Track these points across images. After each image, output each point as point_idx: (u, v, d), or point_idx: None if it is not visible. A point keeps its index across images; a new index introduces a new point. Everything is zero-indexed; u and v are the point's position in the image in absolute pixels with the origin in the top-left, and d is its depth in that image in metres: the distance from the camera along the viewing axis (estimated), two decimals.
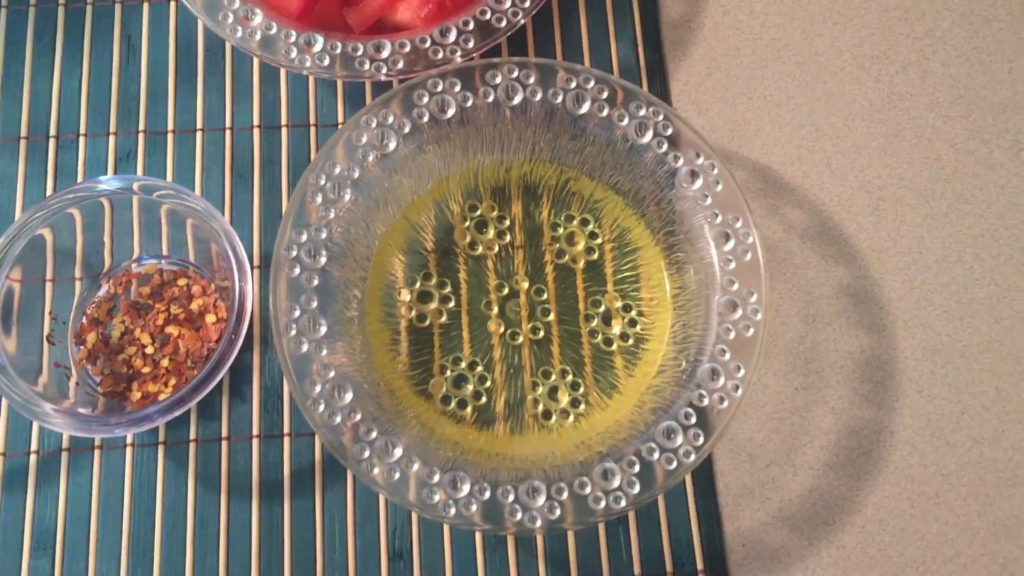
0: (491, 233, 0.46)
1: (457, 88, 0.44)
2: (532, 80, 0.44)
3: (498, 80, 0.44)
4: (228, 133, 0.48)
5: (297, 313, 0.40)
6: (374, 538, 0.42)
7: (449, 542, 0.42)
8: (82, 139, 0.48)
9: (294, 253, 0.41)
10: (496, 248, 0.46)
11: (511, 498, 0.38)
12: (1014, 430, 0.45)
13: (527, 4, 0.45)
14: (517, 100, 0.44)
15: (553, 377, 0.44)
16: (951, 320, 0.47)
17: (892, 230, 0.48)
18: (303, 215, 0.41)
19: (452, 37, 0.45)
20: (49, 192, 0.47)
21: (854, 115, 0.50)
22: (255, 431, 0.43)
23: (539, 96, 0.44)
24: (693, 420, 0.39)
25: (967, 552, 0.43)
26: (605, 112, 0.44)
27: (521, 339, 0.45)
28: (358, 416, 0.38)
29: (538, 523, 0.37)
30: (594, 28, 0.51)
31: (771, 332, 0.46)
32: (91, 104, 0.48)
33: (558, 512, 0.37)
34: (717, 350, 0.40)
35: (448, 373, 0.44)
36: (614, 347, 0.45)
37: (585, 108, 0.44)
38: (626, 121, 0.44)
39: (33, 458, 0.43)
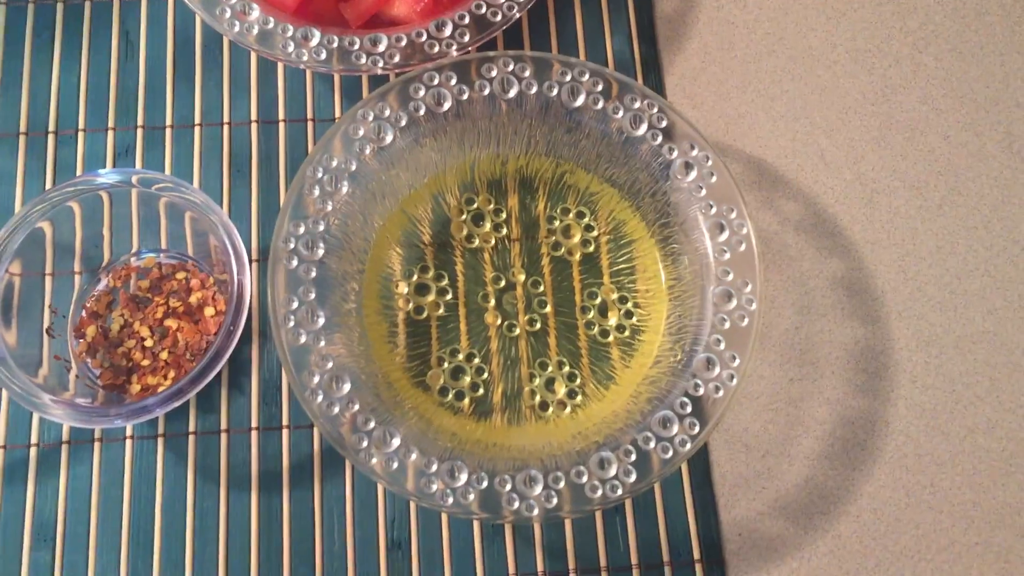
0: (488, 226, 0.47)
1: (453, 81, 0.44)
2: (527, 73, 0.44)
3: (494, 73, 0.44)
4: (226, 128, 0.49)
5: (295, 305, 0.40)
6: (373, 529, 0.42)
7: (447, 532, 0.43)
8: (81, 134, 0.48)
9: (292, 245, 0.41)
10: (493, 241, 0.46)
11: (508, 487, 0.38)
12: (1007, 420, 0.45)
13: None
14: (513, 93, 0.44)
15: (550, 368, 0.44)
16: (945, 311, 0.47)
17: (886, 222, 0.49)
18: (301, 208, 0.41)
19: (448, 31, 0.45)
20: (48, 187, 0.47)
21: (848, 108, 0.51)
22: (254, 423, 0.44)
23: (534, 89, 0.44)
24: (689, 409, 0.39)
25: (962, 540, 0.43)
26: (600, 105, 0.44)
27: (518, 331, 0.45)
28: (356, 407, 0.39)
29: (535, 512, 0.37)
30: (589, 22, 0.51)
31: (766, 323, 0.47)
32: (90, 99, 0.49)
33: (555, 501, 0.38)
34: (712, 340, 0.41)
35: (446, 365, 0.44)
36: (610, 338, 0.45)
37: (580, 101, 0.44)
38: (621, 114, 0.44)
39: (33, 451, 0.43)
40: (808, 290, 0.47)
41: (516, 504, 0.38)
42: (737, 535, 0.43)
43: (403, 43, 0.45)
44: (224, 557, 0.42)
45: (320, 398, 0.39)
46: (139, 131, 0.48)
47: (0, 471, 0.42)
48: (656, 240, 0.45)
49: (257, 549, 0.42)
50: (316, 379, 0.39)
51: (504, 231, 0.47)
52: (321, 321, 0.40)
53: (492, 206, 0.47)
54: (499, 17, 0.45)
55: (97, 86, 0.49)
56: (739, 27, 0.52)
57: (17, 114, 0.48)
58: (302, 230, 0.41)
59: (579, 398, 0.44)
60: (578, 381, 0.44)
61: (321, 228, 0.41)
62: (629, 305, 0.45)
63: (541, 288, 0.46)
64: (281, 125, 0.49)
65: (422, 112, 0.44)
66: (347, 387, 0.39)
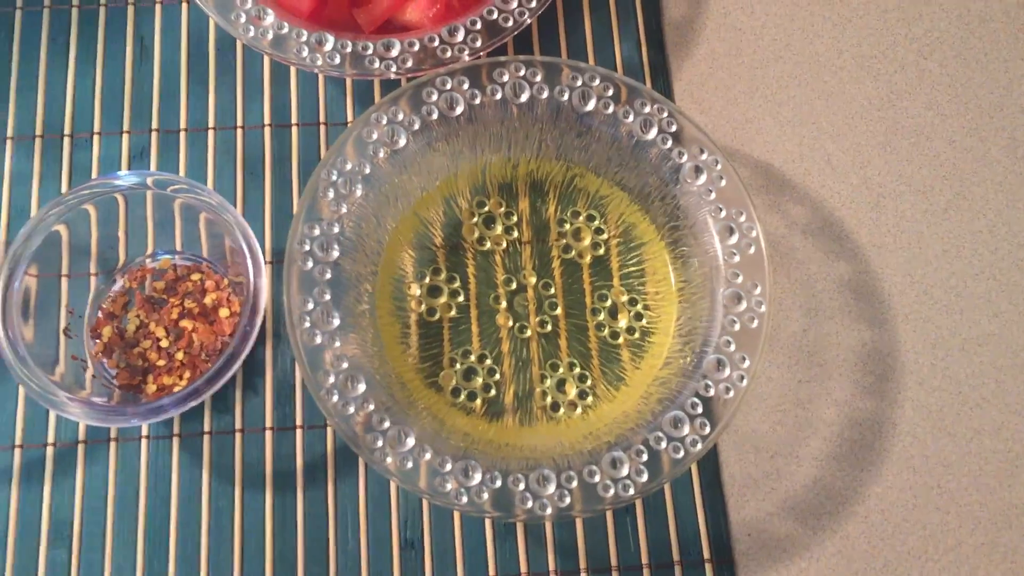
0: (499, 229, 0.47)
1: (465, 86, 0.44)
2: (539, 78, 0.45)
3: (505, 78, 0.45)
4: (239, 132, 0.49)
5: (310, 306, 0.40)
6: (386, 528, 0.43)
7: (460, 532, 0.43)
8: (96, 138, 0.49)
9: (307, 247, 0.41)
10: (504, 243, 0.47)
11: (522, 486, 0.38)
12: (1013, 421, 0.46)
13: (533, 4, 0.46)
14: (524, 98, 0.45)
15: (561, 370, 0.45)
16: (951, 314, 0.47)
17: (892, 226, 0.49)
18: (315, 210, 0.42)
19: (460, 36, 0.45)
20: (64, 190, 0.48)
21: (854, 114, 0.51)
22: (268, 423, 0.44)
23: (545, 94, 0.45)
24: (699, 410, 0.40)
25: (968, 541, 0.44)
26: (610, 109, 0.45)
27: (529, 332, 0.46)
28: (371, 406, 0.39)
29: (549, 511, 0.38)
30: (598, 28, 0.52)
31: (774, 326, 0.47)
32: (105, 103, 0.49)
33: (568, 500, 0.38)
34: (722, 341, 0.41)
35: (458, 366, 0.45)
36: (620, 340, 0.45)
37: (591, 106, 0.45)
38: (631, 118, 0.44)
39: (50, 450, 0.43)
40: (815, 293, 0.48)
41: (530, 503, 0.38)
42: (746, 535, 0.44)
43: (416, 48, 0.45)
44: (239, 556, 0.42)
45: (335, 398, 0.39)
46: (154, 134, 0.49)
47: (17, 470, 0.43)
48: (665, 243, 0.46)
49: (272, 548, 0.42)
50: (331, 379, 0.39)
51: (515, 234, 0.47)
52: (335, 322, 0.40)
53: (503, 209, 0.47)
54: (510, 23, 0.46)
55: (112, 90, 0.49)
56: (746, 33, 0.53)
57: (33, 117, 0.49)
58: (317, 232, 0.42)
59: (590, 399, 0.44)
60: (589, 382, 0.45)
61: (335, 230, 0.42)
62: (639, 307, 0.46)
63: (552, 290, 0.46)
64: (294, 129, 0.49)
65: (435, 116, 0.44)
66: (362, 387, 0.39)
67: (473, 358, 0.45)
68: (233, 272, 0.45)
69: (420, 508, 0.43)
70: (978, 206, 0.49)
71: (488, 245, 0.47)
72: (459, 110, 0.44)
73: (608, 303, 0.46)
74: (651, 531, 0.43)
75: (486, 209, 0.47)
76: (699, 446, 0.39)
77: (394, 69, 0.45)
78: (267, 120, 0.49)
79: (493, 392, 0.44)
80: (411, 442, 0.39)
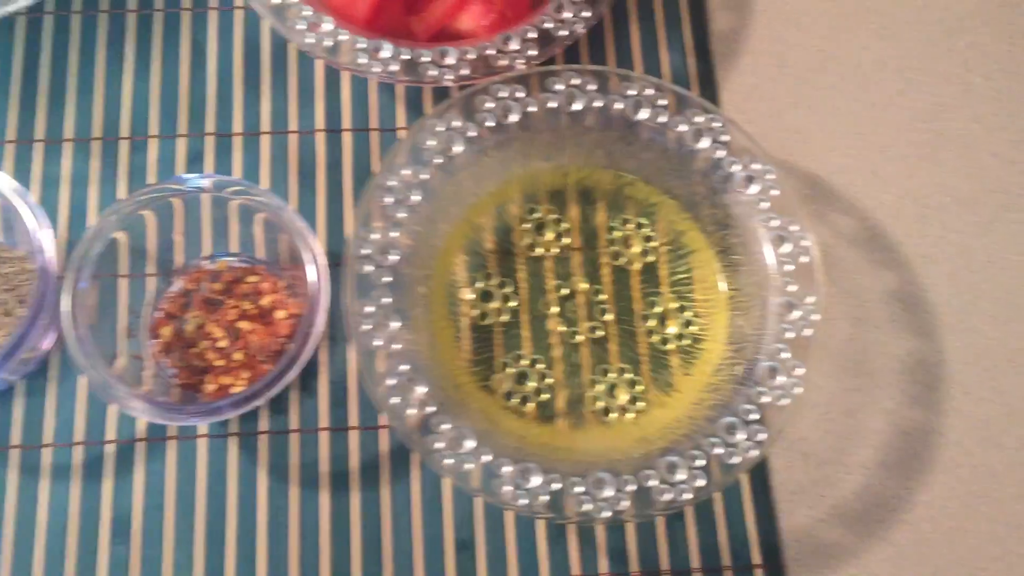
0: (549, 235, 0.48)
1: (520, 94, 0.45)
2: (592, 87, 0.45)
3: (559, 87, 0.45)
4: (293, 136, 0.50)
5: (370, 309, 0.41)
6: (439, 529, 0.43)
7: (513, 534, 0.44)
8: (153, 141, 0.49)
9: (366, 251, 0.42)
10: (554, 250, 0.48)
11: (580, 489, 0.39)
12: None
13: (586, 14, 0.47)
14: (577, 107, 0.45)
15: (612, 375, 0.45)
16: (997, 325, 0.48)
17: (938, 237, 0.49)
18: (374, 215, 0.42)
19: (515, 45, 0.46)
20: (121, 191, 0.48)
21: (899, 126, 0.52)
22: (323, 424, 0.45)
23: (599, 103, 0.45)
24: (755, 416, 0.40)
25: (1017, 551, 0.44)
26: (663, 119, 0.45)
27: (580, 338, 0.46)
28: (432, 408, 0.40)
29: (609, 513, 0.38)
30: (645, 38, 0.53)
31: (822, 334, 0.47)
32: (162, 107, 0.50)
33: (626, 503, 0.39)
34: (775, 349, 0.42)
35: (510, 370, 0.45)
36: (670, 346, 0.46)
37: (643, 115, 0.45)
38: (683, 127, 0.45)
39: (110, 447, 0.44)
40: (862, 302, 0.48)
41: (589, 506, 0.39)
42: (796, 542, 0.44)
43: (471, 56, 0.46)
44: (297, 554, 0.43)
45: (396, 400, 0.40)
46: (209, 138, 0.49)
47: (80, 467, 0.44)
48: (715, 251, 0.46)
49: (329, 547, 0.43)
50: (392, 382, 0.40)
51: (565, 240, 0.48)
52: (395, 325, 0.41)
53: (553, 216, 0.48)
54: (564, 33, 0.47)
55: (168, 94, 0.50)
56: (792, 45, 0.53)
57: (90, 120, 0.50)
58: (375, 236, 0.42)
59: (641, 404, 0.45)
60: (640, 388, 0.45)
61: (393, 235, 0.43)
62: (689, 315, 0.46)
63: (602, 296, 0.47)
64: (346, 134, 0.50)
65: (489, 124, 0.45)
66: (422, 389, 0.40)
67: (525, 362, 0.46)
68: (288, 275, 0.46)
69: (472, 510, 0.44)
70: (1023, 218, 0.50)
71: (539, 251, 0.48)
72: (513, 118, 0.45)
73: (658, 310, 0.47)
74: (701, 536, 0.44)
75: (537, 216, 0.48)
76: (756, 452, 0.39)
77: (451, 77, 0.45)
78: (319, 125, 0.50)
79: (545, 396, 0.45)
80: (471, 444, 0.39)
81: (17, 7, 0.47)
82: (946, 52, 0.54)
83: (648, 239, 0.48)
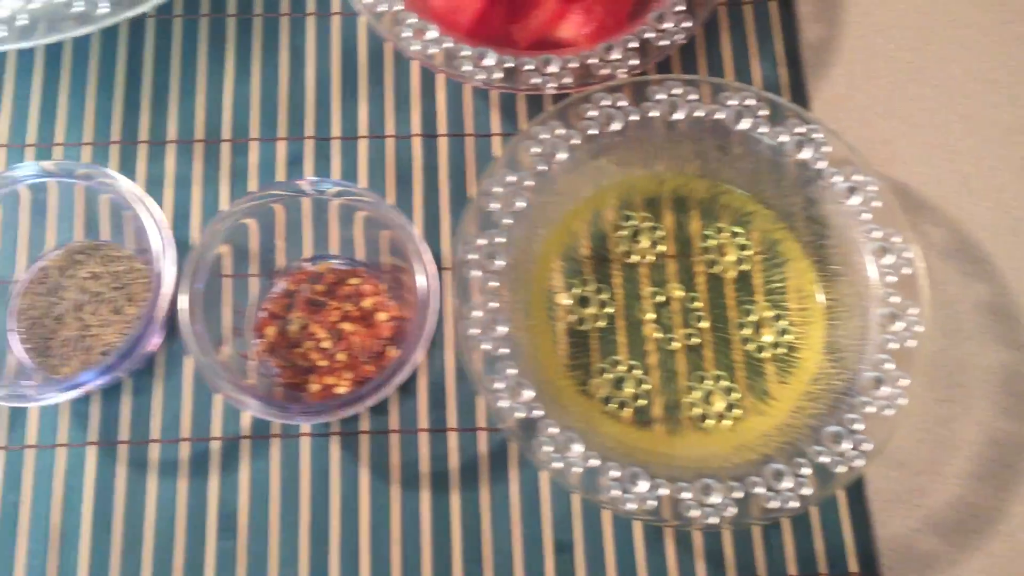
0: (645, 242, 0.48)
1: (622, 103, 0.46)
2: (694, 97, 0.46)
3: (661, 96, 0.46)
4: (390, 141, 0.51)
5: (478, 314, 0.42)
6: (538, 531, 0.44)
7: (611, 536, 0.44)
8: (253, 143, 0.50)
9: (474, 256, 0.43)
10: (650, 257, 0.48)
11: (687, 495, 0.39)
12: None
13: (687, 24, 0.47)
14: (677, 116, 0.46)
15: (708, 382, 0.46)
16: None
17: None
18: (481, 220, 0.43)
19: (616, 55, 0.47)
20: (223, 193, 0.49)
21: (990, 138, 0.52)
22: (422, 425, 0.45)
23: (699, 112, 0.46)
24: (860, 427, 0.41)
25: None
26: (763, 129, 0.46)
27: (676, 344, 0.47)
28: (540, 412, 0.40)
29: (716, 519, 0.39)
30: (736, 48, 0.53)
31: None
32: (262, 111, 0.51)
33: (734, 510, 0.39)
34: (878, 360, 0.42)
35: (607, 375, 0.46)
36: (766, 355, 0.46)
37: (744, 125, 0.46)
38: (784, 138, 0.45)
39: (215, 444, 0.45)
40: (954, 313, 0.48)
41: (695, 512, 0.39)
42: (891, 551, 0.44)
43: (573, 64, 0.46)
44: (399, 553, 0.43)
45: (505, 403, 0.40)
46: (308, 142, 0.50)
47: (187, 462, 0.44)
48: (811, 261, 0.47)
49: (431, 546, 0.44)
50: (500, 384, 0.41)
51: (661, 248, 0.48)
52: (502, 330, 0.42)
53: (649, 224, 0.49)
54: (665, 43, 0.47)
55: (268, 98, 0.51)
56: (882, 56, 0.53)
57: (192, 122, 0.51)
58: (482, 241, 0.43)
59: (738, 411, 0.45)
60: (736, 395, 0.46)
61: (499, 240, 0.43)
62: (784, 323, 0.47)
63: (697, 304, 0.47)
64: (441, 139, 0.51)
65: (591, 132, 0.45)
66: (529, 393, 0.41)
67: (622, 368, 0.46)
68: (389, 277, 0.47)
69: (570, 512, 0.44)
70: None
71: (634, 258, 0.48)
72: (615, 126, 0.46)
73: (753, 318, 0.47)
74: (798, 543, 0.44)
75: (632, 223, 0.49)
76: (861, 462, 0.40)
77: (552, 85, 0.46)
78: (416, 130, 0.51)
79: (642, 401, 0.45)
80: (579, 448, 0.40)
81: (147, 7, 0.47)
82: None
83: (743, 248, 0.48)
